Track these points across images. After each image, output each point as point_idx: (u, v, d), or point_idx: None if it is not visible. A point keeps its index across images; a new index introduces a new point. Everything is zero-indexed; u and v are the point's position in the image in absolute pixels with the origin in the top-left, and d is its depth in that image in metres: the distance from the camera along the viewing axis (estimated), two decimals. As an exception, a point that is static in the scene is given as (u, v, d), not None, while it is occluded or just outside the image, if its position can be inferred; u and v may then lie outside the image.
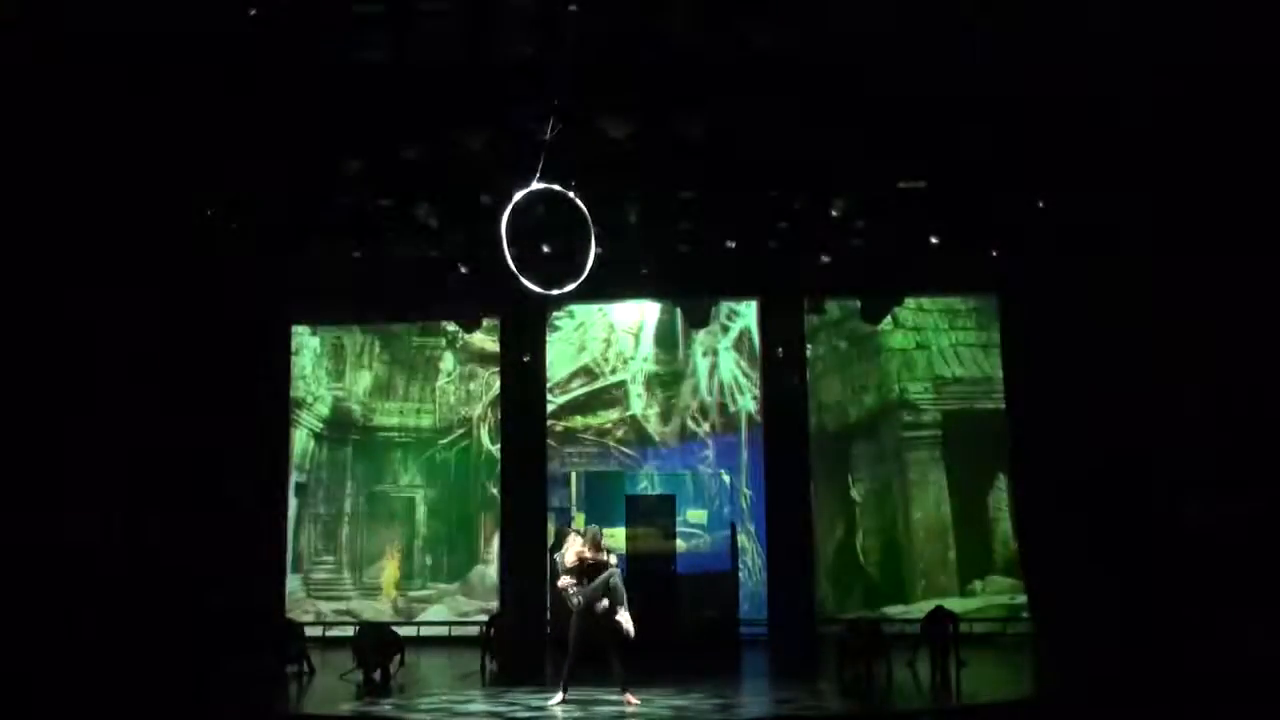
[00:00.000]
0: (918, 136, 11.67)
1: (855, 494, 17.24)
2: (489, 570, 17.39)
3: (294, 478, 17.20)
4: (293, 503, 17.11)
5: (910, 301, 17.17)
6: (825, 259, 15.18)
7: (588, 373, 17.98)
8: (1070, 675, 12.35)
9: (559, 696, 10.41)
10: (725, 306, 17.62)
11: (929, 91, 11.02)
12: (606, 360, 18.00)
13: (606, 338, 17.92)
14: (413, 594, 17.49)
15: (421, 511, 17.87)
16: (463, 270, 15.46)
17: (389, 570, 17.58)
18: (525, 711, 10.21)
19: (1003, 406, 16.18)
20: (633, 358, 17.97)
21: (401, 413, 18.12)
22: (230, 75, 10.71)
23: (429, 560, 17.70)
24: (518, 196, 10.08)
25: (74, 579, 11.33)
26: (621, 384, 17.94)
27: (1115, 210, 12.54)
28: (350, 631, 14.27)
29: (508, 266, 9.90)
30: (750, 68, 10.75)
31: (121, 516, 12.19)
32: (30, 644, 10.66)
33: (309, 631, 14.61)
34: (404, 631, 14.04)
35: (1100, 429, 14.01)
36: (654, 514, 15.47)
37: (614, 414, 17.91)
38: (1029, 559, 15.53)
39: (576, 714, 10.01)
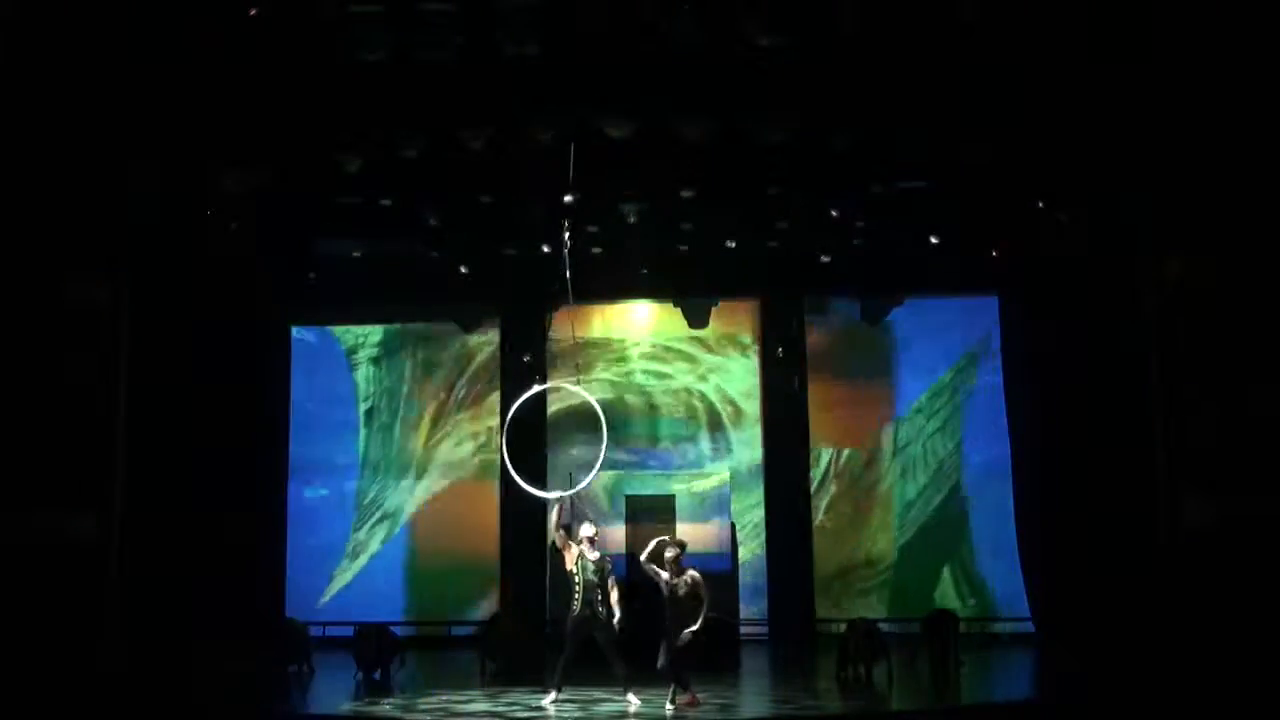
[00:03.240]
0: (918, 136, 11.66)
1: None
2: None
3: (361, 407, 17.52)
4: (362, 432, 17.48)
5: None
6: (825, 259, 15.21)
7: (689, 359, 17.63)
8: (1069, 675, 12.36)
9: (552, 695, 10.43)
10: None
11: (930, 91, 11.00)
12: (708, 375, 17.58)
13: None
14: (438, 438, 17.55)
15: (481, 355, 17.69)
16: (463, 270, 15.48)
17: (425, 418, 17.67)
18: (525, 711, 10.21)
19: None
20: (728, 396, 17.54)
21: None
22: (230, 74, 10.69)
23: (463, 394, 17.74)
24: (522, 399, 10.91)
25: (73, 579, 11.31)
26: (704, 397, 17.57)
27: (1115, 210, 12.53)
28: (350, 631, 14.28)
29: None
30: (751, 67, 10.74)
31: (121, 516, 12.15)
32: (30, 644, 10.65)
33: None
34: (404, 632, 14.05)
35: (1100, 429, 14.00)
36: (654, 514, 15.43)
37: (676, 407, 17.48)
38: (1029, 559, 15.52)
39: (576, 714, 10.02)
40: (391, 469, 17.72)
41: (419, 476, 17.69)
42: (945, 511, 17.04)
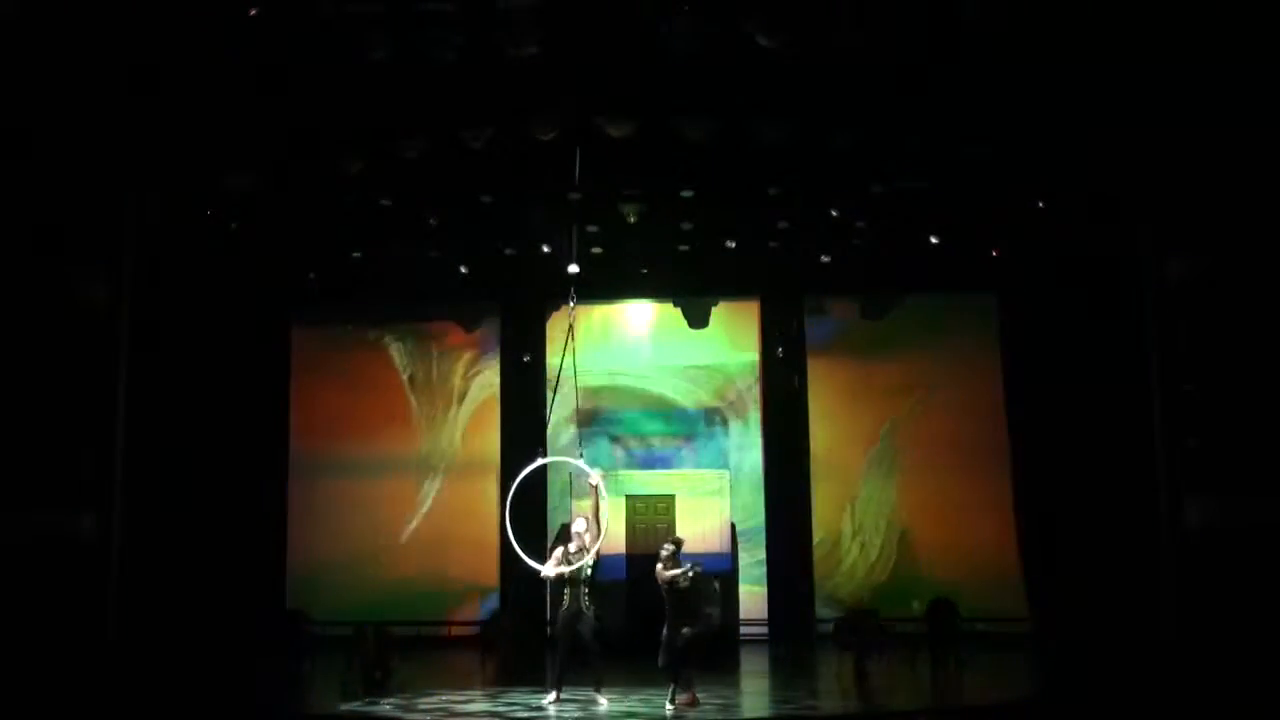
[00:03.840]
0: (918, 136, 11.67)
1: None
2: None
3: (404, 376, 17.45)
4: (411, 399, 17.41)
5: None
6: (825, 259, 15.21)
7: (740, 400, 17.29)
8: (1069, 675, 12.36)
9: (552, 695, 10.42)
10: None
11: (930, 91, 11.01)
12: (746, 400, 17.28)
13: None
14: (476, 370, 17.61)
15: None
16: (463, 270, 15.48)
17: (464, 357, 17.73)
18: (525, 711, 10.21)
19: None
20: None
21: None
22: (230, 75, 10.70)
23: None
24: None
25: (75, 578, 11.33)
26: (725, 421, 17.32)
27: (1115, 210, 12.54)
28: (349, 631, 14.28)
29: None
30: (751, 67, 10.75)
31: (121, 516, 12.18)
32: (31, 643, 10.66)
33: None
34: (404, 632, 14.03)
35: (1100, 429, 14.01)
36: (654, 512, 15.39)
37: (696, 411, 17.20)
38: (1029, 558, 15.52)
39: (576, 714, 10.02)
40: (436, 416, 17.66)
41: (459, 403, 17.68)
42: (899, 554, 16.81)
